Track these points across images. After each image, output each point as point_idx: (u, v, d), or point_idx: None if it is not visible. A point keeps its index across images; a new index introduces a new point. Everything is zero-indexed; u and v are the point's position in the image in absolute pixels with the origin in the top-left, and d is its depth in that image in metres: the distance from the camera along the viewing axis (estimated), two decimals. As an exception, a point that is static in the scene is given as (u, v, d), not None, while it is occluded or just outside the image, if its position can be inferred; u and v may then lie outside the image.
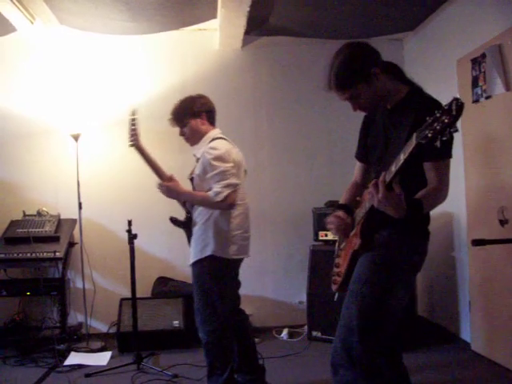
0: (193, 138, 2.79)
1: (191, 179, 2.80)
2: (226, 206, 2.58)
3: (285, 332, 4.15)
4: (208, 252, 2.62)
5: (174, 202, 2.88)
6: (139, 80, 4.39)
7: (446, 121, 1.33)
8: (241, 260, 2.79)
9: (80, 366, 3.47)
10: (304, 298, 4.09)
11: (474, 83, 3.36)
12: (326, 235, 3.98)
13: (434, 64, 4.05)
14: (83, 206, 4.07)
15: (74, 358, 3.60)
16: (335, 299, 2.25)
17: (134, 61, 4.41)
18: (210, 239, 2.63)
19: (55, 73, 4.29)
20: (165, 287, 4.20)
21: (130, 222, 3.40)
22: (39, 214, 4.10)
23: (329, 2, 3.65)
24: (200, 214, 2.70)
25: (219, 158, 2.59)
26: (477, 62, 3.32)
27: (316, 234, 4.07)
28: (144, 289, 4.06)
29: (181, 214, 2.86)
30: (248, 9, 3.58)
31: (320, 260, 3.92)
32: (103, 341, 3.97)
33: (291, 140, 4.54)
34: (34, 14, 3.77)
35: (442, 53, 3.95)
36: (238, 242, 2.68)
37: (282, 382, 3.12)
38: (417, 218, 1.81)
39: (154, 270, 4.28)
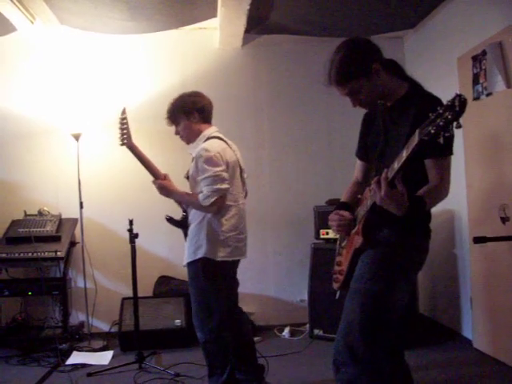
0: (187, 136, 2.79)
1: (188, 178, 2.79)
2: (213, 210, 2.59)
3: (286, 330, 4.15)
4: (200, 254, 2.61)
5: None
6: (139, 79, 4.39)
7: (450, 117, 1.33)
8: (237, 261, 2.78)
9: (82, 366, 3.48)
10: (305, 296, 4.09)
11: (475, 80, 3.35)
12: (328, 233, 3.97)
13: (435, 62, 4.04)
14: (84, 205, 4.07)
15: (76, 358, 3.60)
16: (337, 297, 2.25)
17: (134, 60, 4.41)
18: (203, 241, 2.62)
19: (55, 73, 4.29)
20: (166, 286, 4.20)
21: (131, 222, 3.40)
22: (40, 213, 4.10)
23: (329, 0, 3.65)
24: (195, 215, 2.70)
25: (210, 161, 2.57)
26: (477, 59, 3.31)
27: (317, 232, 4.06)
28: (145, 288, 4.07)
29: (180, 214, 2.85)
30: (248, 7, 3.58)
31: (321, 258, 3.91)
32: (105, 340, 3.97)
33: (292, 138, 4.54)
34: (34, 13, 3.77)
35: (442, 50, 3.94)
36: (232, 244, 2.66)
37: (283, 381, 3.12)
38: (419, 215, 1.81)
39: (155, 269, 4.29)
